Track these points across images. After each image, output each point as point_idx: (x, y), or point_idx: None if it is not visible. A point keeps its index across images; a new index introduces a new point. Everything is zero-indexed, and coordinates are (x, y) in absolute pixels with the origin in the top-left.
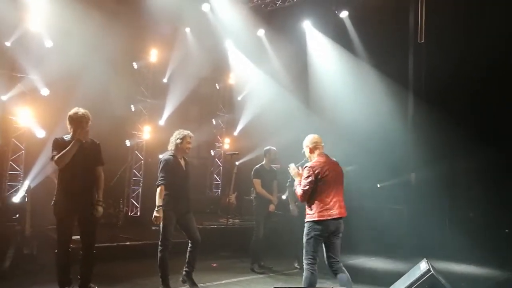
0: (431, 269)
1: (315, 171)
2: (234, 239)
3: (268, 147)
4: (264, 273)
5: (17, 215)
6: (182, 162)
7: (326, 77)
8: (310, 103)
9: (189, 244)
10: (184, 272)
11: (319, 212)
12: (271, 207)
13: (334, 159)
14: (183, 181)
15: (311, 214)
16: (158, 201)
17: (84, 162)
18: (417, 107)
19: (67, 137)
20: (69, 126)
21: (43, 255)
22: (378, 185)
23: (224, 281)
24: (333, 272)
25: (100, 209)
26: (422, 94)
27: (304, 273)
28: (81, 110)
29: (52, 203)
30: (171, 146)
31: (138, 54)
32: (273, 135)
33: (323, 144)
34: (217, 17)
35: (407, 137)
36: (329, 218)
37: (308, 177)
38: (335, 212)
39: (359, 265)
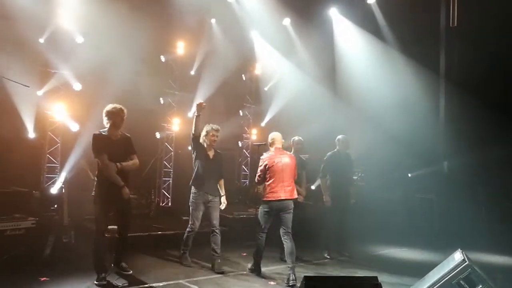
0: (466, 259)
1: (265, 162)
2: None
3: (293, 137)
4: (304, 265)
5: (55, 206)
6: (211, 153)
7: (354, 65)
8: (337, 92)
9: (210, 231)
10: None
11: (267, 194)
12: (300, 198)
13: (289, 153)
14: (209, 169)
15: (263, 195)
16: None
17: (119, 156)
18: (449, 94)
19: (104, 131)
20: (105, 121)
21: (81, 244)
22: (409, 175)
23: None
24: (284, 240)
25: (126, 189)
26: (455, 80)
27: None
28: (117, 106)
29: (92, 194)
30: (200, 140)
31: (166, 47)
32: (301, 125)
33: (282, 140)
34: (242, 8)
35: (438, 125)
36: (273, 199)
37: (260, 166)
38: (280, 195)
39: (390, 256)
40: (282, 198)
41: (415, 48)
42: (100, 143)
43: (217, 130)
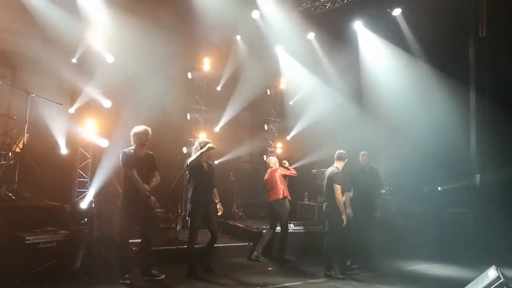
0: (501, 276)
1: None
2: (288, 243)
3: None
4: (339, 279)
5: (86, 219)
6: (205, 165)
7: (381, 78)
8: (364, 106)
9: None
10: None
11: None
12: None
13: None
14: (205, 181)
15: None
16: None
17: (144, 171)
18: (480, 105)
19: (131, 149)
20: (132, 140)
21: (109, 257)
22: (439, 188)
23: (282, 285)
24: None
25: (153, 198)
26: (485, 91)
27: None
28: (143, 127)
29: (118, 206)
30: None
31: (192, 64)
32: (328, 140)
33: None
34: (267, 23)
35: (470, 137)
36: None
37: None
38: None
39: (421, 272)
40: None
41: (443, 59)
42: (129, 158)
43: (211, 145)
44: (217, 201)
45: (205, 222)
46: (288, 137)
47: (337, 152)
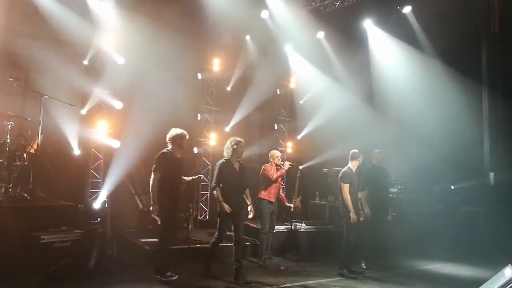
0: None
1: None
2: (300, 243)
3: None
4: (353, 278)
5: (99, 219)
6: (236, 166)
7: (392, 76)
8: (376, 105)
9: (233, 242)
10: (233, 269)
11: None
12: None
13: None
14: (236, 182)
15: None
16: (218, 198)
17: (178, 172)
18: (493, 103)
19: (168, 150)
20: (170, 143)
21: (123, 256)
22: (452, 187)
23: (295, 284)
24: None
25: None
26: (498, 89)
27: None
28: (180, 131)
29: (153, 203)
30: (227, 153)
31: (202, 65)
32: (339, 139)
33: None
34: (276, 23)
35: (482, 135)
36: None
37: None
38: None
39: (435, 271)
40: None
41: (455, 57)
42: (164, 161)
43: (243, 143)
44: (248, 202)
45: (233, 224)
46: (299, 137)
47: (350, 151)
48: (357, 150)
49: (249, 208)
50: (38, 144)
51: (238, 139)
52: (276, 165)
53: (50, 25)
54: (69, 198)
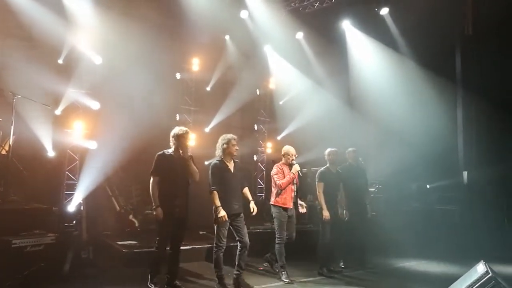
0: (490, 271)
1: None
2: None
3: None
4: (332, 277)
5: (74, 222)
6: (231, 166)
7: (369, 77)
8: (353, 105)
9: (238, 247)
10: (234, 275)
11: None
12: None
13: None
14: (232, 183)
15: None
16: (216, 203)
17: (181, 173)
18: (467, 103)
19: (169, 151)
20: (172, 142)
21: (99, 259)
22: (428, 186)
23: (275, 284)
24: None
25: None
26: (472, 89)
27: None
28: (183, 129)
29: (153, 208)
30: (218, 152)
31: (181, 65)
32: (319, 139)
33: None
34: (255, 23)
35: (457, 135)
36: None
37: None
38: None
39: (411, 268)
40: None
41: (431, 58)
42: (158, 163)
43: (236, 140)
44: (250, 199)
45: (234, 229)
46: (279, 137)
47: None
48: (332, 149)
49: (251, 205)
50: (10, 145)
51: (229, 136)
52: (289, 165)
53: (23, 22)
54: (44, 201)
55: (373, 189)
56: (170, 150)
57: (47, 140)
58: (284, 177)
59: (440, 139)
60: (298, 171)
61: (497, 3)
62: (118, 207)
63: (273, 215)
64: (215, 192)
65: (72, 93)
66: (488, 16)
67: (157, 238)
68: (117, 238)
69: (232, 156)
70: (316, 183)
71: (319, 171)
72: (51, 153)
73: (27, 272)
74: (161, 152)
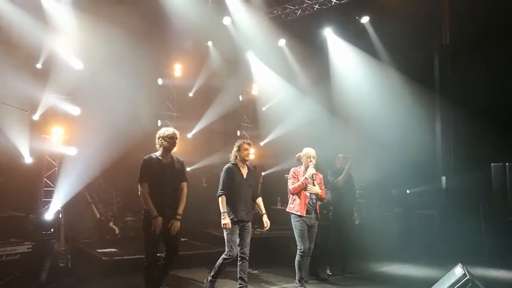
0: (467, 273)
1: None
2: (262, 249)
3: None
4: (308, 282)
5: (52, 230)
6: (244, 172)
7: (350, 83)
8: (334, 111)
9: (238, 258)
10: None
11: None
12: None
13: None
14: (242, 189)
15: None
16: (222, 208)
17: (169, 180)
18: (444, 110)
19: (155, 154)
20: (158, 144)
21: (78, 268)
22: (408, 191)
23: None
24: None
25: (177, 223)
26: (449, 96)
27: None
28: (170, 130)
29: (141, 219)
30: (232, 157)
31: (163, 70)
32: (302, 147)
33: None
34: (238, 30)
35: (436, 142)
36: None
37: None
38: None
39: (392, 272)
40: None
41: (411, 66)
42: (147, 169)
43: (249, 144)
44: (262, 212)
45: (240, 239)
46: (262, 143)
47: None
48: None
49: (264, 218)
50: None
51: (241, 140)
52: (307, 168)
53: (1, 26)
54: (20, 209)
55: (356, 195)
56: (158, 154)
57: (24, 146)
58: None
59: (419, 145)
60: (312, 175)
61: (474, 12)
62: (98, 214)
63: (292, 225)
64: (223, 196)
65: (51, 98)
66: (465, 25)
67: (145, 252)
68: (97, 246)
69: (244, 162)
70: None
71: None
72: (28, 160)
73: (2, 283)
74: (148, 156)
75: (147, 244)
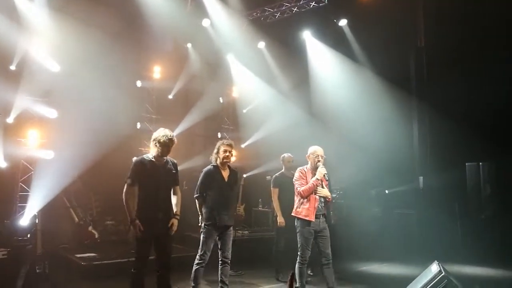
0: (443, 270)
1: None
2: (244, 250)
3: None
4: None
5: (28, 235)
6: (225, 174)
7: (329, 86)
8: (314, 113)
9: (219, 262)
10: None
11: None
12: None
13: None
14: (224, 192)
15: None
16: (199, 211)
17: (161, 182)
18: (421, 112)
19: (148, 156)
20: (152, 146)
21: (55, 274)
22: (386, 191)
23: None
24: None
25: (175, 221)
26: (425, 98)
27: None
28: (168, 135)
29: (129, 223)
30: (212, 159)
31: (142, 72)
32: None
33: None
34: (217, 32)
35: (413, 142)
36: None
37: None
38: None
39: (371, 272)
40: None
41: (388, 69)
42: (138, 172)
43: (229, 145)
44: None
45: (219, 242)
46: (243, 145)
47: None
48: (285, 154)
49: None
50: None
51: (222, 141)
52: (315, 168)
53: None
54: None
55: (335, 195)
56: (151, 156)
57: None
58: (307, 183)
59: (397, 146)
60: (324, 175)
61: (450, 16)
62: (76, 219)
63: (297, 229)
64: (200, 199)
65: (25, 101)
66: (440, 29)
67: (135, 257)
68: (76, 250)
69: (225, 164)
70: (271, 188)
71: (273, 176)
72: (2, 164)
73: None
74: (140, 157)
75: (136, 247)
